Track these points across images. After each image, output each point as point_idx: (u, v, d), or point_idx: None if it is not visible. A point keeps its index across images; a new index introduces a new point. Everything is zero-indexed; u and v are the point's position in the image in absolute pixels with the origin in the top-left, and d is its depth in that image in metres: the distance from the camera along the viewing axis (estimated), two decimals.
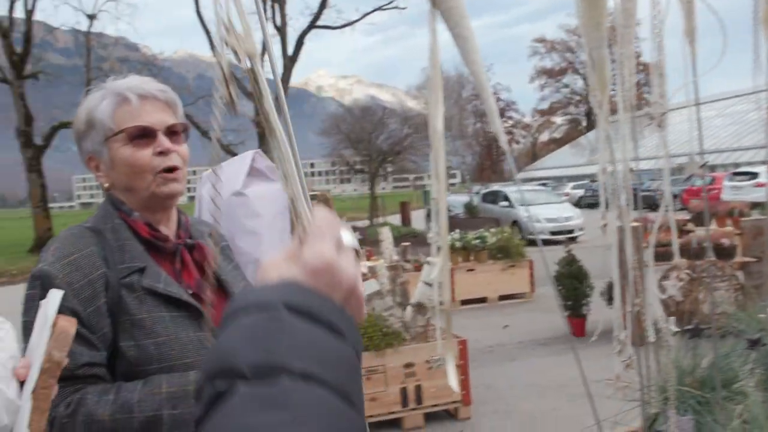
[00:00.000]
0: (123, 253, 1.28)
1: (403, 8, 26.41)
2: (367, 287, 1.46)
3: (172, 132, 1.35)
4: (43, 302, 0.96)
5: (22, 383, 0.91)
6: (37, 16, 23.83)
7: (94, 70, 24.15)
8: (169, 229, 1.39)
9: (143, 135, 1.30)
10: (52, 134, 22.68)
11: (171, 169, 1.32)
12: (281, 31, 24.18)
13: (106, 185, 1.36)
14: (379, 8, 26.94)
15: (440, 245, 1.09)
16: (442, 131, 1.06)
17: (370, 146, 26.50)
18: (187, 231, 1.42)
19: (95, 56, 25.03)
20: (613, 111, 1.12)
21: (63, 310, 1.09)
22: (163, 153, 1.31)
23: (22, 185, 25.03)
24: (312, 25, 25.32)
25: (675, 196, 22.84)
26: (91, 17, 24.51)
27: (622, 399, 1.22)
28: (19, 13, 22.67)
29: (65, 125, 23.79)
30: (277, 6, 24.99)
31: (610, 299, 7.17)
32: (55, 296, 0.96)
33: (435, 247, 1.08)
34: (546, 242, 16.63)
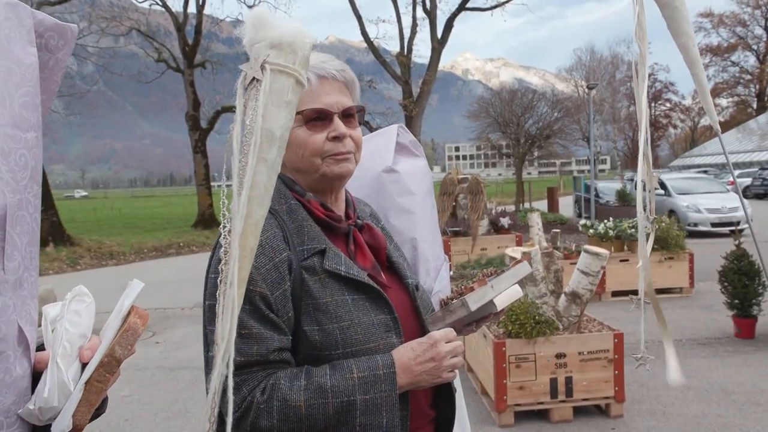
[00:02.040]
0: (302, 234, 1.26)
1: None
2: (521, 270, 1.42)
3: (347, 114, 1.32)
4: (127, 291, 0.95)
5: (84, 365, 0.89)
6: (206, 10, 25.70)
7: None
8: (339, 209, 1.37)
9: (319, 117, 1.28)
10: (216, 118, 24.52)
11: (341, 154, 1.30)
12: (430, 14, 24.18)
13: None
14: None
15: (646, 232, 1.04)
16: (647, 110, 1.01)
17: (519, 130, 25.88)
18: (355, 211, 1.41)
19: None
20: None
21: (252, 295, 1.15)
22: (337, 138, 1.29)
23: (188, 165, 27.35)
24: (462, 8, 25.08)
25: None
26: (252, 8, 26.07)
27: None
28: (191, 8, 24.68)
29: (227, 109, 25.64)
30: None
31: None
32: (135, 287, 0.94)
33: (642, 235, 1.04)
34: (706, 235, 15.35)
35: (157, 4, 24.36)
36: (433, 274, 2.12)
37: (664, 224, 8.82)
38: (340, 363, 1.19)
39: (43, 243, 16.45)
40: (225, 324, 0.85)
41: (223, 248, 0.92)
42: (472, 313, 1.34)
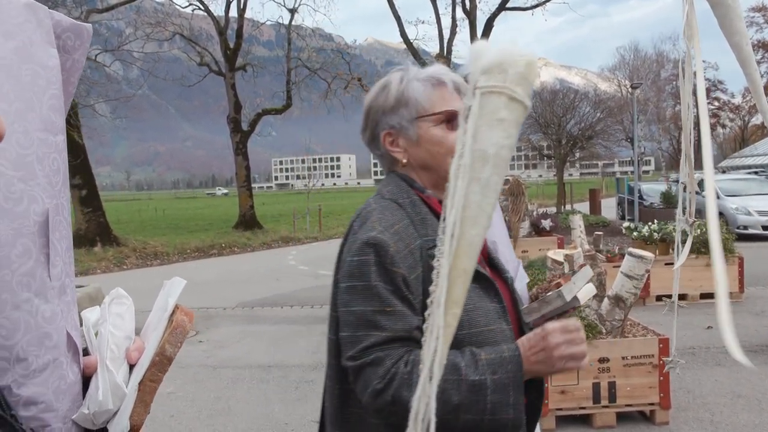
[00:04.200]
0: (425, 225, 1.33)
1: None
2: (587, 272, 1.59)
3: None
4: (164, 289, 0.97)
5: (131, 366, 0.90)
6: (247, 14, 26.09)
7: (293, 60, 25.98)
8: None
9: (455, 119, 1.34)
10: (257, 120, 24.85)
11: None
12: (470, 15, 24.04)
13: (404, 161, 1.41)
14: None
15: (685, 235, 1.02)
16: (692, 110, 0.98)
17: (560, 131, 25.48)
18: None
19: (294, 47, 26.86)
20: None
21: (394, 276, 1.25)
22: None
23: (229, 167, 27.75)
24: (502, 7, 24.86)
25: None
26: (292, 11, 26.34)
27: None
28: (232, 12, 25.07)
29: (268, 112, 25.99)
30: (529, 50, 24.70)
31: None
32: (177, 285, 0.96)
33: (679, 237, 1.02)
34: (758, 238, 14.87)
35: (200, 8, 24.85)
36: (514, 273, 2.29)
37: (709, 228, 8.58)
38: (466, 349, 1.26)
39: (92, 243, 16.95)
40: (430, 345, 0.86)
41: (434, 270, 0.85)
42: (564, 305, 1.48)
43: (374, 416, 1.28)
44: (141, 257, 16.46)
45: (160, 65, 25.11)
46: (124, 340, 0.90)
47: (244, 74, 25.94)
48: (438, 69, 1.42)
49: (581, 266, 1.58)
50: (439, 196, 1.39)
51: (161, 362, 0.90)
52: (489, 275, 1.37)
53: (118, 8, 21.61)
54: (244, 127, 24.43)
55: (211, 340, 7.42)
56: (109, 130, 27.15)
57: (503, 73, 0.86)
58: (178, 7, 26.52)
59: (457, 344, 1.27)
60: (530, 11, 25.74)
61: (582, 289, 1.55)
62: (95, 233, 17.42)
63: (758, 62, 70.66)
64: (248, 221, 23.36)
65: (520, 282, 2.29)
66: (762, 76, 69.93)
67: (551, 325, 1.28)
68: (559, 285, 1.51)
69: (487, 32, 23.93)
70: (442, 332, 0.81)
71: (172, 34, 24.97)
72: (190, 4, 24.95)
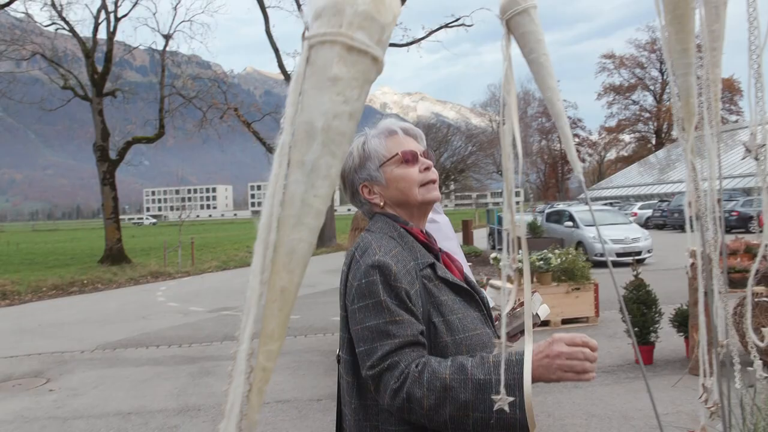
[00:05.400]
0: (414, 252, 1.55)
1: (470, 26, 26.35)
2: (537, 297, 2.02)
3: (424, 156, 1.68)
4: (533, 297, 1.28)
5: None
6: (118, 37, 24.97)
7: (167, 87, 25.11)
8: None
9: (410, 159, 1.62)
10: (126, 148, 23.64)
11: (432, 181, 1.65)
12: None
13: (381, 204, 1.64)
14: (445, 26, 26.96)
15: (510, 271, 1.04)
16: (512, 167, 1.01)
17: (435, 164, 26.42)
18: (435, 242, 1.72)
19: (169, 74, 26.00)
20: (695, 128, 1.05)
21: (399, 291, 1.42)
22: (427, 168, 1.64)
23: (96, 197, 26.11)
24: None
25: (751, 218, 21.73)
26: (167, 37, 25.53)
27: None
28: (101, 34, 23.89)
29: (139, 140, 24.82)
30: None
31: (679, 327, 6.86)
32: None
33: (505, 272, 1.04)
34: (613, 265, 16.10)
35: (64, 29, 23.45)
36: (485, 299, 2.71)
37: (570, 256, 9.16)
38: (478, 353, 1.41)
39: None
40: (236, 386, 0.60)
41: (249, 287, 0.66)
42: (530, 320, 1.64)
43: (398, 416, 1.42)
44: None
45: (17, 86, 23.34)
46: None
47: (114, 100, 24.67)
48: (388, 122, 1.70)
49: (533, 292, 1.79)
50: (420, 227, 1.64)
51: None
52: (471, 290, 1.59)
53: None
54: (113, 155, 23.14)
55: (64, 387, 6.80)
56: None
57: (338, 15, 0.66)
58: (39, 25, 24.86)
59: (450, 347, 1.45)
60: (406, 48, 26.70)
61: (540, 308, 1.82)
62: None
63: (609, 104, 77.10)
64: (115, 255, 22.01)
65: (537, 305, 2.57)
66: (613, 116, 76.82)
67: (559, 334, 1.37)
68: (522, 304, 1.69)
69: None
70: (250, 375, 0.62)
71: (32, 54, 23.29)
72: (54, 23, 23.47)
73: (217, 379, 6.85)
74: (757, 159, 0.81)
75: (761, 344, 0.81)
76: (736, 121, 57.41)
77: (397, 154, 1.61)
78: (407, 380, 1.35)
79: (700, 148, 1.04)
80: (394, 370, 1.37)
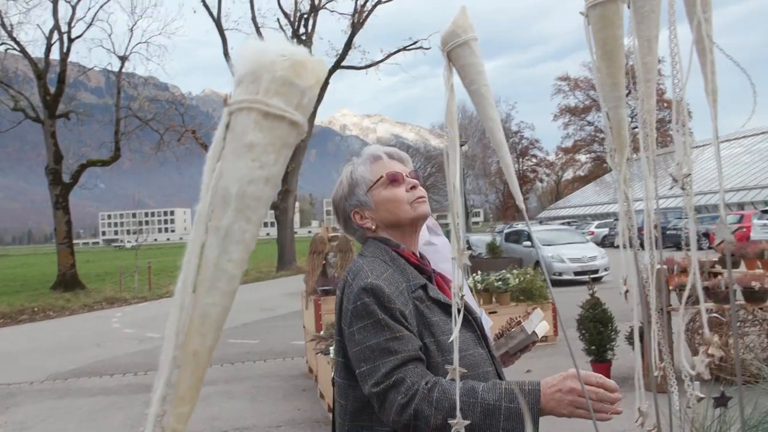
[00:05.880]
0: (406, 274, 1.57)
1: (427, 49, 26.74)
2: (538, 313, 2.06)
3: (410, 177, 1.72)
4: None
5: None
6: (72, 58, 24.51)
7: (123, 109, 24.73)
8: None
9: (396, 179, 1.66)
10: (81, 171, 23.10)
11: (420, 197, 1.68)
12: None
13: (373, 227, 1.68)
14: (403, 49, 27.32)
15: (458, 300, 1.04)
16: (460, 198, 1.02)
17: (421, 183, 26.59)
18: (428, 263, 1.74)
19: (125, 96, 25.61)
20: (635, 149, 1.08)
21: (393, 311, 1.45)
22: (413, 187, 1.68)
23: (48, 221, 25.40)
24: (337, 66, 25.71)
25: (705, 235, 22.40)
26: (123, 58, 25.19)
27: None
28: (54, 55, 23.42)
29: (93, 163, 24.30)
30: (302, 47, 25.43)
31: (633, 344, 6.95)
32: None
33: (455, 300, 1.04)
34: (570, 283, 16.36)
35: (14, 49, 22.91)
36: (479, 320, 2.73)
37: (529, 276, 9.28)
38: (492, 380, 1.44)
39: None
40: None
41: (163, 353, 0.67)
42: (526, 338, 1.76)
43: None
44: None
45: None
46: None
47: (68, 122, 24.14)
48: (373, 148, 1.75)
49: (533, 308, 1.91)
50: (412, 249, 1.68)
51: None
52: (465, 311, 1.58)
53: None
54: (66, 178, 22.59)
55: (11, 422, 6.52)
56: None
57: (256, 82, 0.68)
58: None
59: (440, 367, 1.45)
60: (364, 70, 26.91)
61: (539, 326, 1.80)
62: None
63: (565, 125, 78.92)
64: (69, 281, 21.40)
65: (486, 325, 2.55)
66: (570, 136, 78.66)
67: (574, 370, 1.34)
68: (519, 323, 1.81)
69: (323, 88, 24.54)
70: None
71: None
72: (3, 43, 22.92)
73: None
74: (683, 189, 0.84)
75: (692, 372, 0.83)
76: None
77: (382, 176, 1.67)
78: (416, 396, 1.35)
79: (642, 171, 1.08)
80: (400, 386, 1.37)
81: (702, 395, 1.08)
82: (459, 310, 0.98)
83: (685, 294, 0.83)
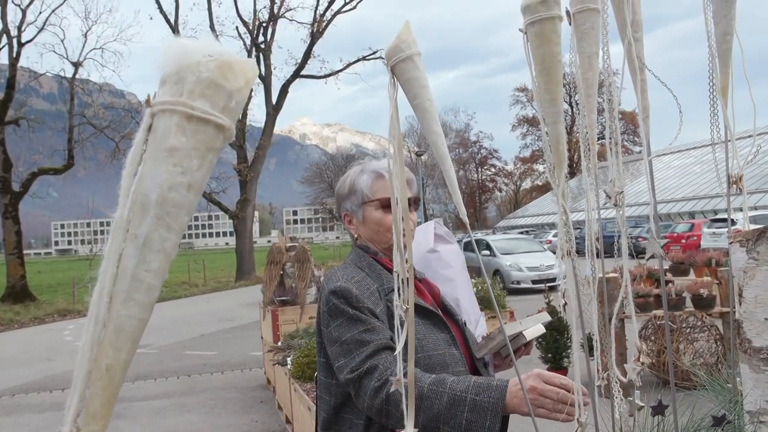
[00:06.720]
0: (381, 279, 1.65)
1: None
2: (542, 317, 2.00)
3: (409, 203, 1.70)
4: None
5: None
6: (23, 62, 23.80)
7: (77, 116, 24.13)
8: None
9: (388, 206, 1.68)
10: (32, 180, 22.44)
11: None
12: (265, 80, 24.44)
13: (356, 236, 1.77)
14: (363, 58, 27.41)
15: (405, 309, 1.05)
16: (407, 207, 1.03)
17: (417, 206, 26.58)
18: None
19: (79, 102, 25.01)
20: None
21: (362, 309, 1.53)
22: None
23: None
24: (296, 75, 25.63)
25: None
26: (76, 64, 24.61)
27: None
28: (3, 59, 22.74)
29: (45, 171, 23.63)
30: (261, 56, 25.34)
31: (590, 351, 7.10)
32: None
33: (397, 313, 1.05)
34: (528, 291, 16.58)
35: None
36: (474, 325, 2.72)
37: (486, 285, 9.36)
38: (464, 375, 1.50)
39: None
40: None
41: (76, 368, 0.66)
42: (502, 340, 1.69)
43: (375, 419, 1.48)
44: None
45: None
46: None
47: (18, 129, 23.43)
48: (383, 163, 1.76)
49: (539, 311, 1.93)
50: (389, 257, 1.70)
51: None
52: (440, 313, 1.69)
53: None
54: (16, 187, 21.91)
55: None
56: None
57: (179, 82, 0.64)
58: None
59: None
60: (324, 79, 26.89)
61: (531, 328, 1.76)
62: None
63: (523, 135, 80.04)
64: (18, 293, 20.71)
65: (480, 329, 2.68)
66: (528, 146, 79.86)
67: (540, 371, 1.40)
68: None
69: (282, 97, 24.44)
70: None
71: None
72: None
73: (128, 422, 6.51)
74: (616, 205, 0.86)
75: (624, 379, 0.85)
76: (640, 152, 60.95)
77: (377, 198, 1.72)
78: (388, 381, 1.40)
79: (584, 183, 1.10)
80: (373, 372, 1.44)
81: (642, 404, 1.11)
82: (402, 323, 0.98)
83: (616, 305, 0.85)
